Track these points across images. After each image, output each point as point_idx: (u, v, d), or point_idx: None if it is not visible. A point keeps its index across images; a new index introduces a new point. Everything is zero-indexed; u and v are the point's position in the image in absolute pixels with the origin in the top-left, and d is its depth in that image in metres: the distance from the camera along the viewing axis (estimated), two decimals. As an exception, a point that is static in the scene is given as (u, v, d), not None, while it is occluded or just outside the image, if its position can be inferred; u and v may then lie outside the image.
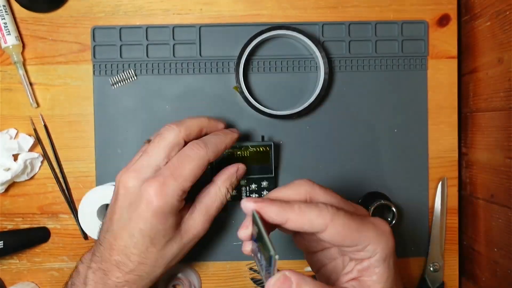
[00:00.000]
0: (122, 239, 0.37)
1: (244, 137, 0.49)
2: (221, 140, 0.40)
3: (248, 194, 0.47)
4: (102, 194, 0.46)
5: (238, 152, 0.45)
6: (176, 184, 0.36)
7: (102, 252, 0.37)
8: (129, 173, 0.37)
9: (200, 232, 0.40)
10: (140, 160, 0.38)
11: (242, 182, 0.46)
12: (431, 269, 0.49)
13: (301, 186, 0.32)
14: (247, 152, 0.45)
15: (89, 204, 0.45)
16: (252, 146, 0.46)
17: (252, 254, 0.31)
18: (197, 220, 0.39)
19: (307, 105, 0.47)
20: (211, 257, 0.50)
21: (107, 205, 0.48)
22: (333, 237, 0.29)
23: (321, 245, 0.34)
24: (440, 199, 0.49)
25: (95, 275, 0.37)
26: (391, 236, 0.31)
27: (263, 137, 0.48)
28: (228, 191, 0.41)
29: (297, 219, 0.29)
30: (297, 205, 0.29)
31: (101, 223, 0.41)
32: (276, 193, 0.32)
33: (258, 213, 0.29)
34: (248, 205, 0.29)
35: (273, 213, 0.29)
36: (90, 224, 0.46)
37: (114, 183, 0.48)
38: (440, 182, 0.49)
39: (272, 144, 0.46)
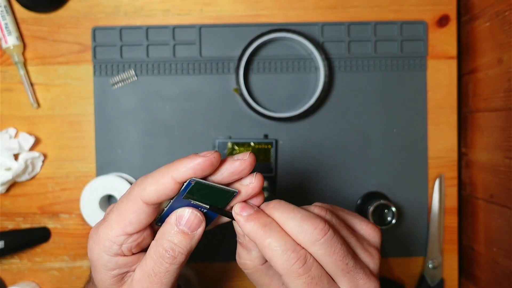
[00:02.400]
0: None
1: (244, 137, 0.49)
2: (161, 170, 0.28)
3: None
4: (105, 184, 0.46)
5: (237, 148, 0.45)
6: (106, 226, 0.28)
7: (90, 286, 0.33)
8: None
9: None
10: None
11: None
12: (430, 266, 0.49)
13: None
14: (249, 149, 0.45)
15: (92, 193, 0.46)
16: (254, 143, 0.45)
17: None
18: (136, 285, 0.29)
19: (307, 108, 0.47)
20: (211, 257, 0.50)
21: (109, 196, 0.48)
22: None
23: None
24: (437, 196, 0.49)
25: None
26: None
27: (266, 136, 0.48)
28: (165, 254, 0.27)
29: (262, 250, 0.27)
30: (269, 239, 0.27)
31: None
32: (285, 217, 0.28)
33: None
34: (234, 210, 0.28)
35: (245, 230, 0.28)
36: (92, 212, 0.46)
37: (118, 174, 0.48)
38: (438, 179, 0.49)
39: (275, 141, 0.46)
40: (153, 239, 0.29)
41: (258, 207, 0.29)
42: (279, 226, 0.28)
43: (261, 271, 0.31)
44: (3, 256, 0.48)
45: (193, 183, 0.27)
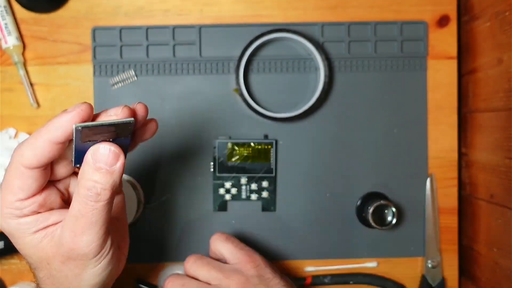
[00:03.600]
0: None
1: (244, 137, 0.49)
2: (36, 133, 0.29)
3: (248, 194, 0.47)
4: None
5: (237, 149, 0.45)
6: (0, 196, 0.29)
7: None
8: None
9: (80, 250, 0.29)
10: None
11: (243, 181, 0.46)
12: (430, 265, 0.49)
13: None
14: (249, 150, 0.45)
15: None
16: (254, 144, 0.46)
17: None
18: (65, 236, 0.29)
19: (307, 108, 0.47)
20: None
21: None
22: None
23: None
24: (429, 195, 0.49)
25: None
26: None
27: (266, 136, 0.47)
28: (88, 193, 0.28)
29: None
30: None
31: None
32: None
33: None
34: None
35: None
36: None
37: None
38: (428, 178, 0.49)
39: (275, 142, 0.46)
40: (59, 194, 0.31)
41: None
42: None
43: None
44: (3, 256, 0.48)
45: (80, 129, 0.27)
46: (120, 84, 0.49)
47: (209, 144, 0.49)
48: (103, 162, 0.28)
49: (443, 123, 0.50)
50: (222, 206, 0.48)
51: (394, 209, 0.46)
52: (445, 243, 0.50)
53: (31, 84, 0.48)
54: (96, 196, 0.28)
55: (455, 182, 0.50)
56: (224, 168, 0.47)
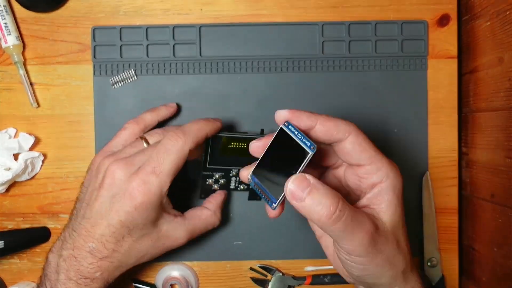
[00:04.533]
0: (99, 227, 0.37)
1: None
2: (200, 127, 0.40)
3: (236, 185, 0.47)
4: None
5: (233, 143, 0.44)
6: (158, 181, 0.37)
7: (76, 239, 0.38)
8: (118, 164, 0.38)
9: (177, 245, 0.42)
10: (127, 151, 0.40)
11: (233, 172, 0.46)
12: (429, 264, 0.49)
13: (347, 125, 0.33)
14: (243, 144, 0.44)
15: None
16: (250, 137, 0.44)
17: (249, 179, 0.34)
18: (181, 235, 0.41)
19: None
20: (211, 257, 0.50)
21: None
22: (353, 147, 0.32)
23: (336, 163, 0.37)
24: (425, 193, 0.49)
25: (66, 263, 0.38)
26: (399, 172, 0.34)
27: (262, 131, 0.46)
28: (219, 219, 0.44)
29: (325, 122, 0.32)
30: (323, 116, 0.33)
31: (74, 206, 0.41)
32: (324, 118, 0.33)
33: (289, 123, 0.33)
34: (281, 113, 0.34)
35: (305, 116, 0.33)
36: None
37: None
38: (423, 177, 0.49)
39: None
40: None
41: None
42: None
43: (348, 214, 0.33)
44: (3, 256, 0.48)
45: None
46: (120, 83, 0.49)
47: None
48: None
49: (443, 122, 0.50)
50: (207, 192, 0.47)
51: (394, 209, 0.46)
52: (445, 243, 0.50)
53: (31, 84, 0.48)
54: None
55: (456, 181, 0.50)
56: (216, 161, 0.45)
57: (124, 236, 0.38)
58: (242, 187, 0.47)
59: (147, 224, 0.38)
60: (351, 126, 0.33)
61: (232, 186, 0.47)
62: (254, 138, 0.36)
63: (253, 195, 0.48)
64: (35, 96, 0.48)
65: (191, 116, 0.49)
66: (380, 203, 0.33)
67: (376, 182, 0.33)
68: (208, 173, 0.45)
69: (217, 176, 0.46)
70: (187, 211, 0.43)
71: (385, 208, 0.33)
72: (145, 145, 0.41)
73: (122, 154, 0.40)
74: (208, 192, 0.47)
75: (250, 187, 0.38)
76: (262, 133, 0.46)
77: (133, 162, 0.38)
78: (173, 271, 0.49)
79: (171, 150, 0.38)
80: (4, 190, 0.48)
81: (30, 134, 0.48)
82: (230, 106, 0.49)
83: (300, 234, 0.50)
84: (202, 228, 0.43)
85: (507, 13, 0.43)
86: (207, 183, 0.46)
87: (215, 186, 0.46)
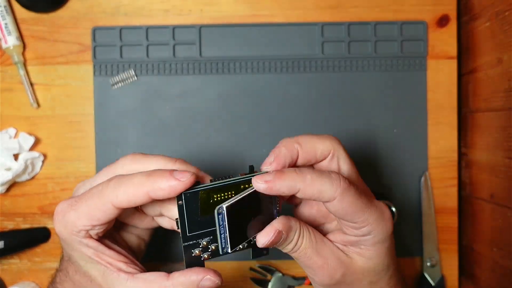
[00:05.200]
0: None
1: (244, 146, 0.49)
2: (137, 183, 0.29)
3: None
4: None
5: (216, 196, 0.30)
6: (74, 215, 0.30)
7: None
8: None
9: None
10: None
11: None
12: (428, 264, 0.49)
13: (329, 140, 0.33)
14: (230, 192, 0.31)
15: None
16: (235, 180, 0.30)
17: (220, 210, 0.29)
18: None
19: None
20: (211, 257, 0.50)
21: None
22: (337, 210, 0.30)
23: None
24: (424, 192, 0.49)
25: None
26: (390, 222, 0.32)
27: (252, 168, 0.31)
28: None
29: (308, 189, 0.29)
30: (309, 175, 0.29)
31: None
32: (304, 139, 0.32)
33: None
34: (259, 186, 0.29)
35: (285, 188, 0.29)
36: None
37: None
38: (422, 177, 0.49)
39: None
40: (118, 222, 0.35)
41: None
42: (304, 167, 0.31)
43: (311, 250, 0.33)
44: (3, 256, 0.48)
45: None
46: (120, 84, 0.49)
47: (209, 145, 0.49)
48: None
49: (443, 123, 0.50)
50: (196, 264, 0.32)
51: (394, 209, 0.46)
52: (445, 243, 0.50)
53: (31, 84, 0.48)
54: None
55: (455, 182, 0.50)
56: (197, 225, 0.31)
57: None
58: (240, 246, 0.33)
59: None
60: (337, 191, 0.29)
61: (237, 249, 0.33)
62: (241, 182, 0.30)
63: (258, 253, 0.35)
64: (35, 96, 0.48)
65: (191, 116, 0.49)
66: (355, 249, 0.32)
67: (357, 235, 0.31)
68: (190, 242, 0.31)
69: (204, 243, 0.31)
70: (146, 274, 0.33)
71: (362, 252, 0.32)
72: None
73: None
74: (197, 265, 0.32)
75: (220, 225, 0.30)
76: (252, 171, 0.31)
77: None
78: (173, 271, 0.49)
79: (94, 194, 0.30)
80: (4, 190, 0.48)
81: (30, 134, 0.48)
82: (230, 106, 0.49)
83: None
84: None
85: (507, 13, 0.43)
86: (193, 254, 0.31)
87: (205, 256, 0.32)
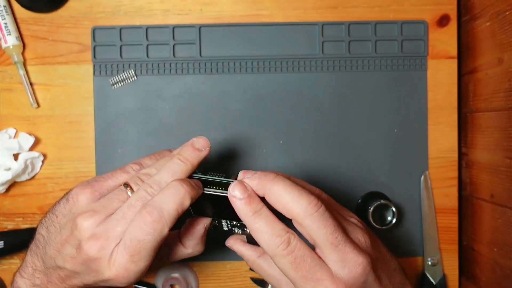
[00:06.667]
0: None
1: (244, 149, 0.49)
2: (180, 199, 0.32)
3: (230, 227, 0.41)
4: None
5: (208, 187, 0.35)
6: (126, 257, 0.31)
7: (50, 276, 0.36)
8: (94, 217, 0.33)
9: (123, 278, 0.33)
10: (107, 203, 0.34)
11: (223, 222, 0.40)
12: (429, 263, 0.49)
13: (306, 203, 0.31)
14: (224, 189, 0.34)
15: None
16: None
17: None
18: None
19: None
20: (211, 257, 0.50)
21: None
22: (301, 231, 0.32)
23: None
24: (424, 193, 0.49)
25: None
26: (359, 268, 0.30)
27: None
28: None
29: (272, 200, 0.31)
30: (279, 187, 0.31)
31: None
32: (279, 191, 0.31)
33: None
34: (240, 175, 0.33)
35: (254, 185, 0.32)
36: None
37: None
38: (422, 177, 0.49)
39: None
40: None
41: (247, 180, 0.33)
42: (268, 211, 0.31)
43: (261, 260, 0.36)
44: (2, 256, 0.48)
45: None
46: (120, 83, 0.49)
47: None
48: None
49: (443, 123, 0.50)
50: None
51: (394, 209, 0.46)
52: (445, 243, 0.50)
53: (31, 84, 0.48)
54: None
55: (455, 182, 0.50)
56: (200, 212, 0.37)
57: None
58: (237, 230, 0.40)
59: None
60: (301, 208, 0.30)
61: (225, 228, 0.40)
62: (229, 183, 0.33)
63: (252, 240, 0.37)
64: (35, 96, 0.48)
65: (191, 116, 0.49)
66: None
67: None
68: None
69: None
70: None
71: None
72: (129, 193, 0.34)
73: (102, 206, 0.34)
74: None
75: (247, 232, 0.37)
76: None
77: (112, 222, 0.33)
78: (173, 271, 0.49)
79: (146, 231, 0.31)
80: (4, 190, 0.48)
81: (30, 134, 0.48)
82: (230, 106, 0.49)
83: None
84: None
85: (507, 13, 0.43)
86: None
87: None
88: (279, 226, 0.31)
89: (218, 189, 0.33)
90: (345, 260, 0.30)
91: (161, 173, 0.34)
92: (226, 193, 0.32)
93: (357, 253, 0.30)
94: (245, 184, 0.32)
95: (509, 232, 0.43)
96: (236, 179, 0.33)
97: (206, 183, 0.34)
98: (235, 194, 0.31)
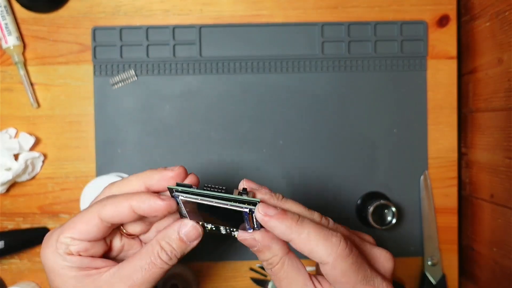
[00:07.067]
0: None
1: (243, 148, 0.49)
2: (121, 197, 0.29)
3: (228, 231, 0.33)
4: (105, 184, 0.45)
5: (209, 227, 0.31)
6: (58, 231, 0.30)
7: None
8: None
9: None
10: None
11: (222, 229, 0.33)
12: (429, 263, 0.49)
13: (331, 248, 0.27)
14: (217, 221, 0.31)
15: (92, 193, 0.46)
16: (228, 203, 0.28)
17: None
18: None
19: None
20: (211, 257, 0.50)
21: None
22: (327, 274, 0.27)
23: None
24: (424, 193, 0.49)
25: None
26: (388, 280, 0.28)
27: (245, 190, 0.29)
28: (161, 253, 0.30)
29: (300, 245, 0.27)
30: (307, 230, 0.27)
31: None
32: (307, 233, 0.27)
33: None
34: (258, 215, 0.27)
35: (278, 231, 0.27)
36: None
37: (118, 174, 0.48)
38: (422, 177, 0.49)
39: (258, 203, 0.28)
40: (109, 254, 0.32)
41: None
42: (308, 217, 0.28)
43: (288, 263, 0.30)
44: (3, 256, 0.48)
45: (181, 201, 0.28)
46: (120, 84, 0.49)
47: (209, 143, 0.49)
48: (186, 236, 0.30)
49: (443, 123, 0.50)
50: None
51: (394, 209, 0.46)
52: (445, 243, 0.50)
53: (31, 84, 0.48)
54: (168, 259, 0.30)
55: (455, 182, 0.50)
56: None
57: None
58: (236, 234, 0.32)
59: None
60: (331, 256, 0.26)
61: (223, 232, 0.32)
62: (231, 199, 0.27)
63: None
64: (35, 96, 0.48)
65: (191, 116, 0.49)
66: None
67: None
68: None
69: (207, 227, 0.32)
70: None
71: None
72: None
73: None
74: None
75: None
76: (244, 192, 0.29)
77: None
78: (173, 271, 0.49)
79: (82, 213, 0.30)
80: (4, 190, 0.48)
81: (31, 135, 0.48)
82: (230, 106, 0.49)
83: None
84: (139, 273, 0.30)
85: (507, 13, 0.43)
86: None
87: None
88: (328, 229, 0.27)
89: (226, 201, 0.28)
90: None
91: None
92: (242, 208, 0.27)
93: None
94: (264, 207, 0.27)
95: (509, 232, 0.43)
96: (238, 192, 0.29)
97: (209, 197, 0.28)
98: (266, 211, 0.27)
